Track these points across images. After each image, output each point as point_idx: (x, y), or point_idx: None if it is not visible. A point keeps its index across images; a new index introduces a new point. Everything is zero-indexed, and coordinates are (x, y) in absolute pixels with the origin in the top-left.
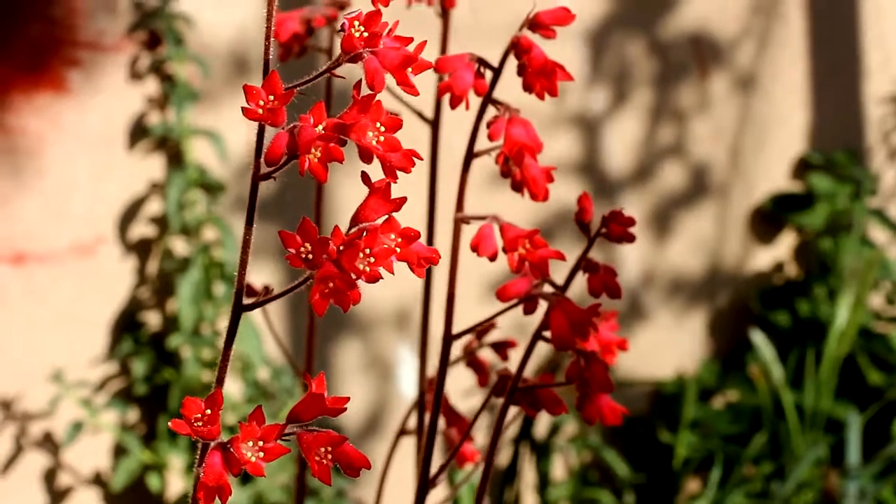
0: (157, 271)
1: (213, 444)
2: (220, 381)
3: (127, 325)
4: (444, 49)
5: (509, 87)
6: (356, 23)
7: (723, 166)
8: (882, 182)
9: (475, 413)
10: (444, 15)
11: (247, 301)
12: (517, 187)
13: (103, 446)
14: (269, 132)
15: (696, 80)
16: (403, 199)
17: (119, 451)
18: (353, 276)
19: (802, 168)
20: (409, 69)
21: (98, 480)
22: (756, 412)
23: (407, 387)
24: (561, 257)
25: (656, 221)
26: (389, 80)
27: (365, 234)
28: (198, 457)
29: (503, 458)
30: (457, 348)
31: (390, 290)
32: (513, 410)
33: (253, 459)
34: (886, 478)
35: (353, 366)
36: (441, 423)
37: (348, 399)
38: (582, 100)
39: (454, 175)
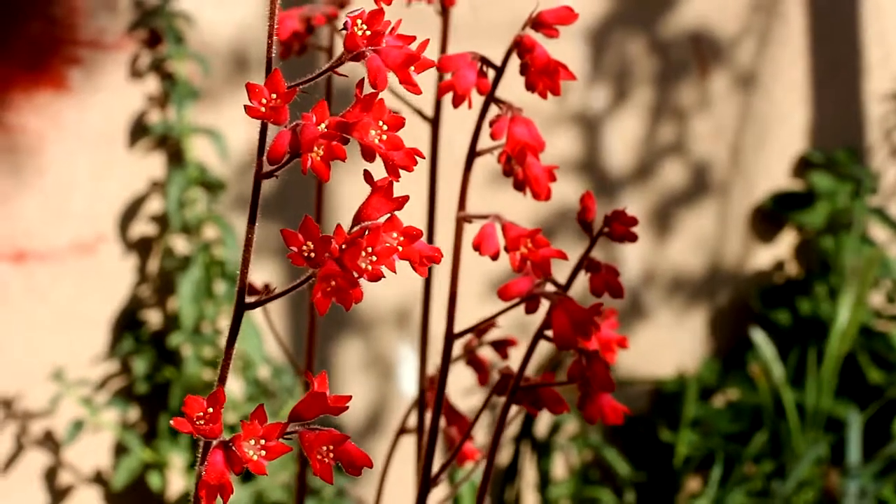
0: (158, 270)
1: (214, 442)
2: (222, 379)
3: (127, 323)
4: (443, 48)
5: (511, 86)
6: (359, 21)
7: (723, 165)
8: (882, 180)
9: (476, 412)
10: (444, 13)
11: (249, 300)
12: (519, 186)
13: (104, 445)
14: (272, 130)
15: (697, 78)
16: (406, 198)
17: (120, 450)
18: (356, 275)
19: (803, 166)
20: (412, 68)
21: (99, 479)
22: (757, 411)
23: (407, 385)
24: (563, 256)
25: (657, 220)
26: (390, 78)
27: (367, 232)
28: (199, 455)
29: (504, 456)
30: (457, 347)
31: (391, 289)
32: (513, 409)
33: (255, 458)
34: (887, 476)
35: (353, 364)
36: (442, 422)
37: (350, 398)
38: (582, 98)
39: (455, 174)
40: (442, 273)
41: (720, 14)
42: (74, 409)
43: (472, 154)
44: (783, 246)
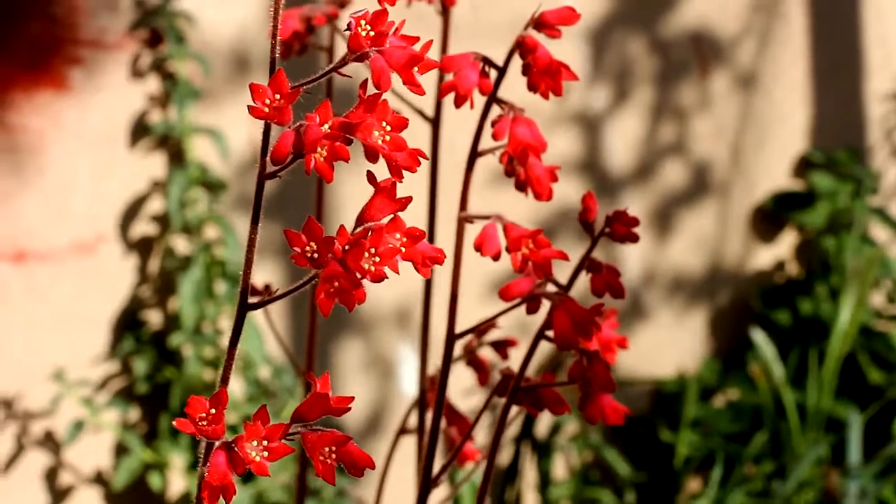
0: (159, 270)
1: (217, 443)
2: (224, 380)
3: (128, 323)
4: (444, 47)
5: (512, 87)
6: (363, 22)
7: (724, 165)
8: (883, 180)
9: (476, 412)
10: (445, 13)
11: (251, 300)
12: (521, 187)
13: (104, 445)
14: (275, 131)
15: (697, 78)
16: (409, 199)
17: (120, 450)
18: (359, 276)
19: (803, 166)
20: (416, 69)
21: (99, 479)
22: (757, 411)
23: (408, 386)
24: (564, 257)
25: (657, 220)
26: (392, 78)
27: (370, 233)
28: (202, 456)
29: (504, 457)
30: (458, 347)
31: (391, 289)
32: (514, 410)
33: (257, 459)
34: (887, 477)
35: (353, 364)
36: (442, 422)
37: (352, 399)
38: (583, 98)
39: (457, 174)
40: (443, 273)
41: (721, 14)
42: (75, 409)
43: (474, 154)
44: (784, 246)
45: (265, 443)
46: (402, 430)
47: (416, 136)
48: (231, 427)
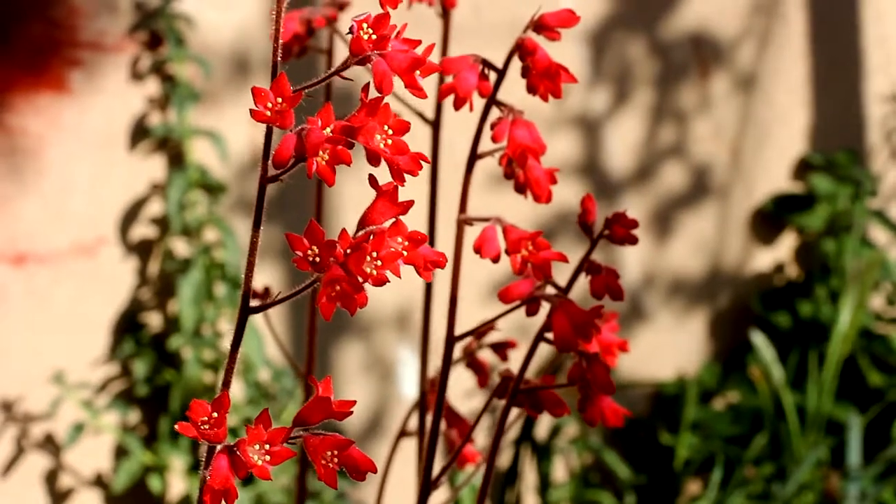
0: (158, 272)
1: (219, 447)
2: (226, 383)
3: (128, 326)
4: (445, 50)
5: (512, 89)
6: (364, 25)
7: (723, 167)
8: (883, 183)
9: (476, 414)
10: (445, 15)
11: (253, 303)
12: (520, 189)
13: (104, 448)
14: (276, 134)
15: (697, 80)
16: (411, 203)
17: (120, 453)
18: (361, 280)
19: (803, 169)
20: (418, 72)
21: (99, 482)
22: (757, 413)
23: (407, 388)
24: (563, 259)
25: (657, 222)
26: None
27: (372, 237)
28: (203, 459)
29: (504, 459)
30: (457, 350)
31: (391, 292)
32: (514, 412)
33: (259, 463)
34: (887, 479)
35: (353, 367)
36: (442, 424)
37: (354, 403)
38: (583, 100)
39: (456, 176)
40: (443, 276)
41: (720, 16)
42: (75, 411)
43: (474, 157)
44: (783, 248)
45: (267, 446)
46: (403, 433)
47: (416, 138)
48: (231, 430)
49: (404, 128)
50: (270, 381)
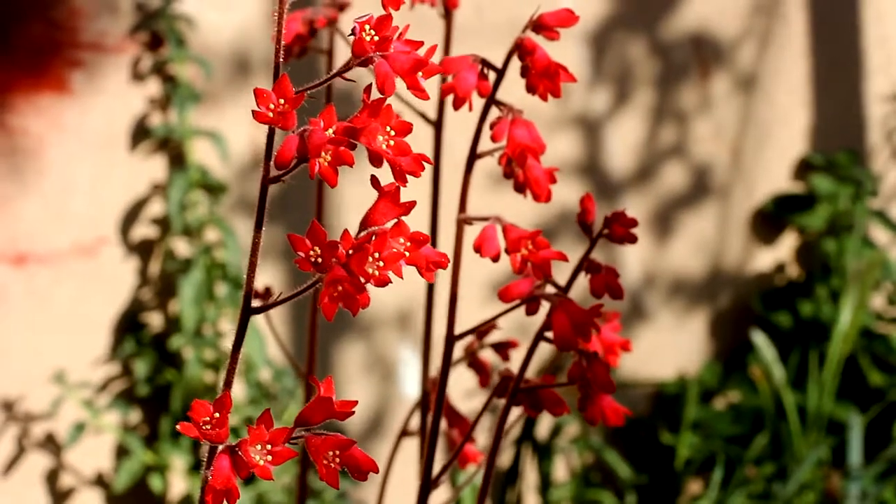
0: (159, 272)
1: (221, 447)
2: (228, 383)
3: (129, 326)
4: (447, 50)
5: (512, 89)
6: (367, 26)
7: (724, 167)
8: (883, 183)
9: (477, 414)
10: (448, 16)
11: (254, 304)
12: (520, 188)
13: (105, 447)
14: (278, 135)
15: (697, 80)
16: (413, 203)
17: (121, 452)
18: (363, 280)
19: (804, 169)
20: (420, 73)
21: (100, 481)
22: (757, 413)
23: (409, 388)
24: (563, 258)
25: (657, 222)
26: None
27: (374, 237)
28: (205, 460)
29: (505, 459)
30: (458, 349)
31: (392, 292)
32: (515, 412)
33: (261, 463)
34: (888, 479)
35: (354, 367)
36: (443, 424)
37: (356, 403)
38: (583, 101)
39: (456, 176)
40: (444, 275)
41: (721, 16)
42: (76, 411)
43: (473, 156)
44: (784, 248)
45: (269, 447)
46: (404, 433)
47: (418, 138)
48: (232, 429)
49: (406, 129)
50: (271, 380)
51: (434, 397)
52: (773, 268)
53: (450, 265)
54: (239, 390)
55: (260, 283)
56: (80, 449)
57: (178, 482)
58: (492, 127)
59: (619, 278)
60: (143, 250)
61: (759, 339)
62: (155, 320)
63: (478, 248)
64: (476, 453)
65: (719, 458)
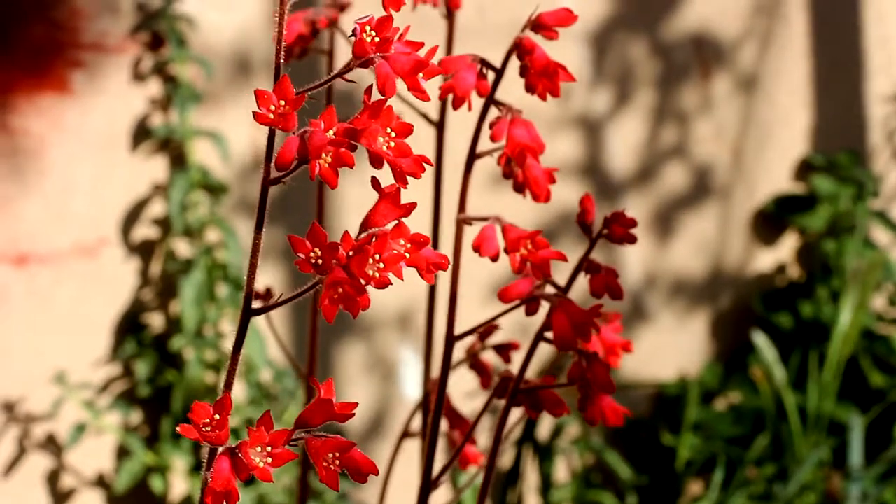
0: (160, 273)
1: (221, 448)
2: (228, 385)
3: (130, 326)
4: (449, 50)
5: (512, 89)
6: (368, 27)
7: (725, 168)
8: (885, 183)
9: (477, 415)
10: (450, 16)
11: (255, 305)
12: (519, 188)
13: (106, 448)
14: (279, 136)
15: (699, 81)
16: (413, 205)
17: (122, 453)
18: (363, 282)
19: (805, 169)
20: (421, 74)
21: (101, 482)
22: (758, 414)
23: (409, 389)
24: (562, 258)
25: (658, 223)
26: (397, 82)
27: (375, 239)
28: (205, 461)
29: (506, 460)
30: (460, 350)
31: (392, 293)
32: (516, 413)
33: (261, 465)
34: (889, 480)
35: (355, 367)
36: (445, 425)
37: (356, 405)
38: (584, 101)
39: (457, 176)
40: (445, 276)
41: (722, 17)
42: (76, 412)
43: (472, 156)
44: (785, 249)
45: (269, 449)
46: (406, 434)
47: (419, 139)
48: (232, 430)
49: (407, 130)
50: (272, 381)
51: (434, 398)
52: (774, 268)
53: (451, 265)
54: (240, 391)
55: (261, 284)
56: (80, 450)
57: (179, 483)
58: (491, 127)
59: (619, 279)
60: (144, 251)
61: (760, 339)
62: (156, 321)
63: (477, 248)
64: (477, 454)
65: (720, 459)
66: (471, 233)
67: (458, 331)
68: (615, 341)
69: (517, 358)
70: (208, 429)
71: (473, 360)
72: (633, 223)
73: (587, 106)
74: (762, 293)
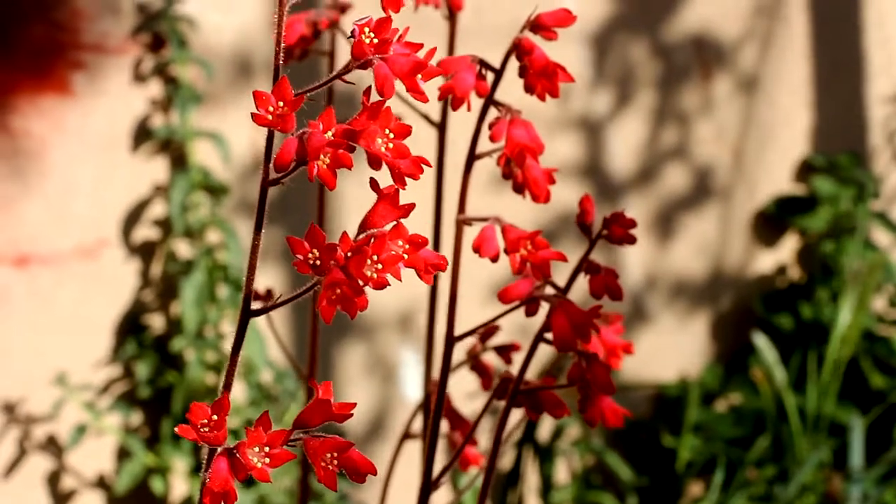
0: (161, 274)
1: (219, 449)
2: (227, 386)
3: (130, 327)
4: (451, 52)
5: (511, 90)
6: (366, 29)
7: (726, 169)
8: (885, 184)
9: (478, 416)
10: (451, 17)
11: (254, 306)
12: (519, 189)
13: (107, 449)
14: (278, 137)
15: (699, 82)
16: (412, 206)
17: (123, 454)
18: (361, 283)
19: (805, 171)
20: (419, 76)
21: (102, 483)
22: (759, 415)
23: (410, 390)
24: (562, 258)
25: (659, 224)
26: (398, 83)
27: (373, 240)
28: (204, 462)
29: (506, 461)
30: (461, 352)
31: (393, 294)
32: (517, 414)
33: (259, 465)
34: (889, 481)
35: (356, 369)
36: (445, 426)
37: (354, 405)
38: (585, 102)
39: (458, 177)
40: (445, 277)
41: (723, 18)
42: (77, 413)
43: (472, 157)
44: (785, 250)
45: (267, 449)
46: (406, 435)
47: (421, 140)
48: (233, 431)
49: (405, 131)
50: (273, 382)
51: (434, 399)
52: (775, 270)
53: (450, 266)
54: (240, 392)
55: (262, 284)
56: (81, 451)
57: (180, 484)
58: (490, 127)
59: (619, 279)
60: (144, 252)
61: (761, 341)
62: (156, 322)
63: (477, 249)
64: (477, 455)
65: (720, 460)
66: (471, 233)
67: (458, 332)
68: (616, 343)
69: (518, 359)
70: (206, 429)
71: (474, 362)
72: (633, 224)
73: (587, 107)
74: (763, 294)
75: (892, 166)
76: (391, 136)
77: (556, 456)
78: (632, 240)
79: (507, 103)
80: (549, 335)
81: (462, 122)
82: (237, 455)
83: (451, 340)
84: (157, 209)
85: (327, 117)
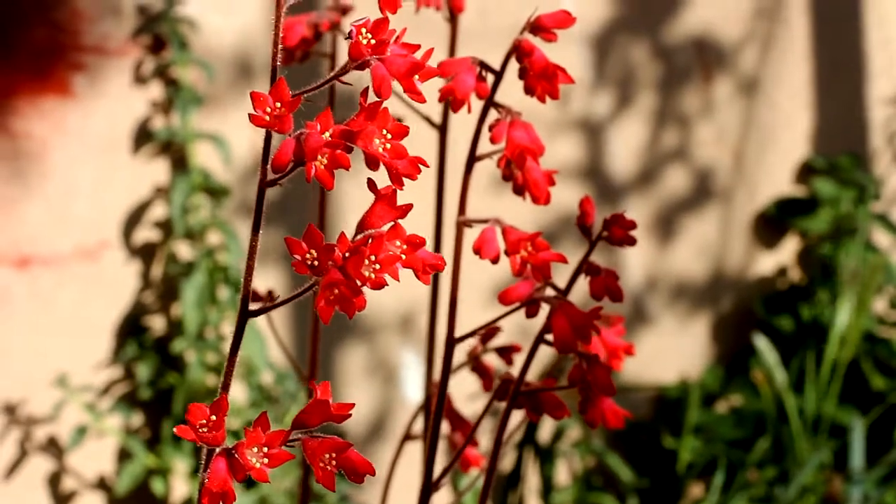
0: (162, 275)
1: (218, 449)
2: (225, 386)
3: (131, 329)
4: (452, 53)
5: (512, 91)
6: (363, 30)
7: (726, 171)
8: (886, 186)
9: (478, 417)
10: (453, 20)
11: (252, 307)
12: (519, 191)
13: (107, 450)
14: (276, 138)
15: (700, 84)
16: (409, 206)
17: (123, 456)
18: (359, 283)
19: (806, 172)
20: (417, 76)
21: (102, 485)
22: (759, 417)
23: (411, 391)
24: (562, 259)
25: (660, 226)
26: (396, 85)
27: (371, 240)
28: (203, 462)
29: (507, 462)
30: (462, 353)
31: (394, 295)
32: (518, 415)
33: (258, 465)
34: (890, 483)
35: (356, 370)
36: (446, 427)
37: (353, 405)
38: (586, 104)
39: (457, 178)
40: (446, 278)
41: (723, 20)
42: (78, 414)
43: (472, 158)
44: (786, 252)
45: (265, 449)
46: (407, 436)
47: (422, 141)
48: (233, 433)
49: (403, 132)
50: (273, 383)
51: (435, 400)
52: (776, 271)
53: (450, 268)
54: (241, 393)
55: (262, 286)
56: (82, 452)
57: (181, 485)
58: (491, 129)
59: (619, 281)
60: (145, 253)
61: (761, 342)
62: (157, 324)
63: (477, 250)
64: (478, 457)
65: (721, 461)
66: (471, 235)
67: (459, 333)
68: (618, 344)
69: (518, 360)
70: (205, 430)
71: (475, 363)
72: (633, 225)
73: (588, 108)
74: (763, 296)
75: (893, 168)
76: (389, 136)
77: (557, 457)
78: (632, 241)
79: (507, 105)
80: (549, 337)
81: (463, 124)
82: (236, 455)
83: (451, 342)
84: (158, 211)
85: (325, 118)
